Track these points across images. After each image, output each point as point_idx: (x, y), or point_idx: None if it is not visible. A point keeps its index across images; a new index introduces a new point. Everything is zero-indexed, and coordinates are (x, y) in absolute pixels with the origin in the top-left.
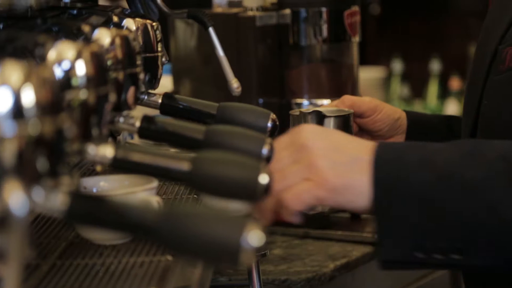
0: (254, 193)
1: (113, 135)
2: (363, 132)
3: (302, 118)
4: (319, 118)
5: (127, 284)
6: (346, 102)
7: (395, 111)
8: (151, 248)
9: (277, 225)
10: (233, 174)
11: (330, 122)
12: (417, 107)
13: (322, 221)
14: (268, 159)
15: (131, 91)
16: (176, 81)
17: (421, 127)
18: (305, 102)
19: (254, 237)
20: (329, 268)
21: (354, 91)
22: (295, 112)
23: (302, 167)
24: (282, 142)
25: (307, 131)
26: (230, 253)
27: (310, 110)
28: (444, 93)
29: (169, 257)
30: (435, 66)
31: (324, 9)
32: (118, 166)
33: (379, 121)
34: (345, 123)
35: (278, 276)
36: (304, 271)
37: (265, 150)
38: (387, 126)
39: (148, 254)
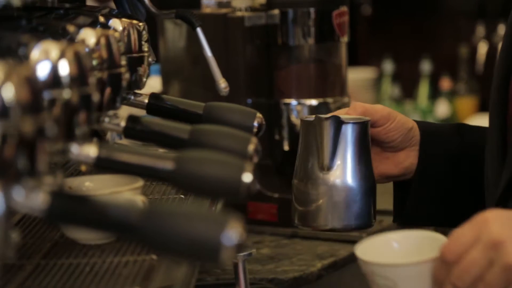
0: (237, 192)
1: (99, 135)
2: (373, 143)
3: (318, 124)
4: (337, 124)
5: (111, 283)
6: (358, 109)
7: (407, 120)
8: (136, 247)
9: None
10: (217, 173)
11: (348, 130)
12: (408, 107)
13: None
14: (252, 158)
15: (116, 91)
16: (165, 82)
17: (434, 137)
18: (293, 102)
19: (234, 234)
20: (316, 267)
21: (342, 92)
22: (309, 117)
23: (500, 270)
24: (466, 236)
25: (495, 222)
26: (210, 250)
27: (327, 116)
28: (435, 94)
29: (154, 257)
30: (426, 66)
31: (312, 10)
32: (102, 165)
33: (393, 131)
34: (364, 131)
35: (265, 275)
36: (291, 270)
37: (250, 149)
38: (400, 136)
39: (132, 253)
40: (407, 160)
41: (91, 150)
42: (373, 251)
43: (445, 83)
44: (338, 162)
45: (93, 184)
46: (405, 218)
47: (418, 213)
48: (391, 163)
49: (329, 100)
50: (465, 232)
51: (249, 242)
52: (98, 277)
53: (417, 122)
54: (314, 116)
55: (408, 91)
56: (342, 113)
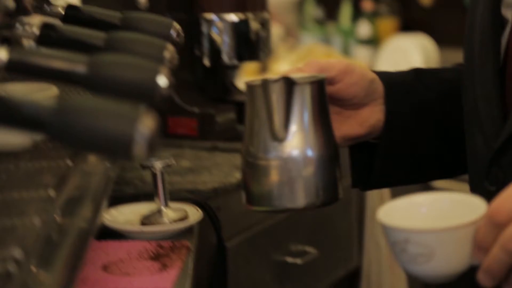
0: (152, 96)
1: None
2: (332, 102)
3: (266, 88)
4: (289, 86)
5: (25, 189)
6: (312, 67)
7: (367, 71)
8: (51, 153)
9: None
10: (131, 76)
11: (302, 91)
12: (330, 29)
13: (230, 133)
14: (168, 63)
15: None
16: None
17: (398, 87)
18: (213, 17)
19: (147, 129)
20: (235, 178)
21: (263, 7)
22: (254, 81)
23: None
24: (504, 210)
25: None
26: (123, 145)
27: (276, 78)
28: (357, 15)
29: (69, 162)
30: None
31: None
32: (13, 69)
33: (354, 85)
34: (321, 90)
35: (185, 186)
36: (211, 181)
37: (166, 55)
38: (362, 90)
39: (48, 159)
40: (372, 116)
41: (1, 54)
42: (398, 217)
43: (367, 4)
44: (293, 129)
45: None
46: (371, 182)
47: (386, 174)
48: (354, 122)
49: (250, 15)
50: (502, 202)
51: (169, 155)
52: (13, 183)
53: (376, 72)
54: (260, 79)
55: (331, 13)
56: (295, 72)
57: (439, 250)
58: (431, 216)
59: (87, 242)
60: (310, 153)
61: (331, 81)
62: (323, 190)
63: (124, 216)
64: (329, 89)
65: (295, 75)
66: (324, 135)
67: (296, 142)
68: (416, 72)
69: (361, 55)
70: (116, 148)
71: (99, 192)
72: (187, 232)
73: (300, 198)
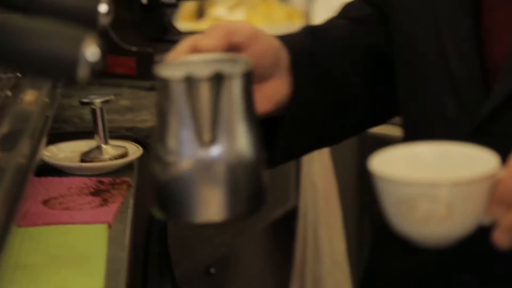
0: (93, 21)
1: None
2: None
3: (190, 86)
4: (218, 83)
5: None
6: (220, 32)
7: (273, 38)
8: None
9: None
10: (72, 1)
11: (233, 86)
12: None
13: None
14: None
15: None
16: None
17: (302, 55)
18: None
19: (91, 51)
20: None
21: None
22: (172, 72)
23: None
24: None
25: None
26: (67, 67)
27: (203, 75)
28: None
29: (8, 93)
30: None
31: None
32: None
33: (262, 54)
34: (250, 81)
35: (124, 124)
36: (150, 119)
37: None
38: (270, 59)
39: None
40: (278, 90)
41: None
42: (393, 169)
43: None
44: (222, 130)
45: None
46: (274, 158)
47: (290, 150)
48: (261, 97)
49: None
50: None
51: (107, 94)
52: None
53: (279, 38)
54: (176, 71)
55: None
56: (204, 45)
57: (459, 207)
58: (435, 169)
59: (26, 178)
60: (243, 155)
61: (238, 47)
62: (254, 197)
63: (64, 153)
64: None
65: (209, 58)
66: (253, 135)
67: (225, 145)
68: (312, 31)
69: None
70: (61, 69)
71: (38, 128)
72: (127, 168)
73: (235, 207)
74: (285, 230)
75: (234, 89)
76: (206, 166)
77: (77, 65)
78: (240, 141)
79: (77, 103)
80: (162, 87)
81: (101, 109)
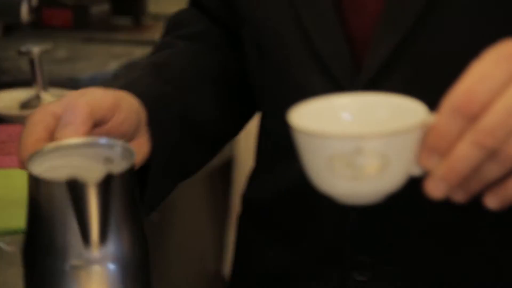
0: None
1: None
2: None
3: (74, 189)
4: (107, 182)
5: None
6: (81, 113)
7: (130, 100)
8: None
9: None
10: None
11: (118, 183)
12: None
13: (105, 24)
14: None
15: None
16: None
17: (156, 105)
18: None
19: None
20: (112, 66)
21: None
22: (48, 175)
23: None
24: (493, 76)
25: None
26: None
27: (88, 181)
28: None
29: None
30: None
31: None
32: None
33: (124, 123)
34: (132, 173)
35: (63, 74)
36: (89, 68)
37: None
38: (131, 126)
39: None
40: (141, 149)
41: None
42: (320, 123)
43: None
44: (110, 231)
45: None
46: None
47: (160, 195)
48: None
49: None
50: (489, 70)
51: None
52: None
53: (130, 92)
54: (52, 168)
55: None
56: (66, 136)
57: (392, 159)
58: (358, 122)
59: None
60: (128, 257)
61: (100, 121)
62: None
63: (3, 102)
64: (97, 131)
65: (99, 153)
66: (139, 231)
67: (118, 243)
68: (161, 77)
69: None
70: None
71: None
72: None
73: None
74: (222, 179)
75: (124, 186)
76: (93, 268)
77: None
78: (129, 238)
79: (14, 54)
80: (35, 186)
81: (39, 58)
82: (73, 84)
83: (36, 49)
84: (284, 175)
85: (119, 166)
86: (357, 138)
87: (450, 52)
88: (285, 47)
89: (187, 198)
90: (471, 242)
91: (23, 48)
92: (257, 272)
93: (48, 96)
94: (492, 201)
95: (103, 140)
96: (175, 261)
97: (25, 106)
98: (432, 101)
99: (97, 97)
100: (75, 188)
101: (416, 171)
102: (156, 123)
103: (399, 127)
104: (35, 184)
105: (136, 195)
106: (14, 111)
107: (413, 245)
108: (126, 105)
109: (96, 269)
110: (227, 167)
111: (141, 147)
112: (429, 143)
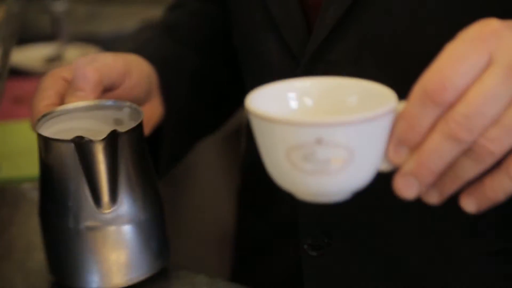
0: None
1: None
2: None
3: (83, 149)
4: (113, 141)
5: None
6: (91, 77)
7: (143, 66)
8: None
9: None
10: None
11: (125, 142)
12: None
13: None
14: None
15: None
16: None
17: (167, 67)
18: None
19: None
20: (132, 25)
21: None
22: (53, 133)
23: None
24: (469, 59)
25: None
26: None
27: (96, 138)
28: None
29: None
30: None
31: None
32: None
33: (135, 87)
34: (141, 133)
35: (84, 33)
36: (109, 25)
37: None
38: (143, 90)
39: None
40: (154, 112)
41: None
42: (281, 108)
43: None
44: (121, 192)
45: None
46: (159, 170)
47: (174, 158)
48: None
49: None
50: (464, 52)
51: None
52: None
53: (141, 54)
54: (62, 129)
55: None
56: (76, 99)
57: (360, 152)
58: (320, 108)
59: (1, 83)
60: (142, 217)
61: (111, 87)
62: (158, 258)
63: (27, 57)
64: (108, 95)
65: (109, 115)
66: (152, 187)
67: (128, 206)
68: (170, 37)
69: None
70: None
71: (7, 34)
72: None
73: (134, 270)
74: (235, 142)
75: (129, 143)
76: (106, 229)
77: None
78: (142, 198)
79: (34, 12)
80: (51, 148)
81: (62, 14)
82: (94, 40)
83: (58, 6)
84: None
85: (128, 127)
86: (316, 126)
87: (398, 19)
88: (246, 12)
89: (202, 161)
90: (427, 219)
91: (46, 5)
92: (244, 244)
93: (72, 51)
94: (468, 204)
95: (111, 102)
96: (191, 221)
97: (50, 61)
98: (386, 77)
99: (107, 64)
100: (83, 147)
101: (384, 166)
102: (168, 85)
103: (363, 114)
104: (45, 146)
105: (147, 155)
106: (40, 64)
107: (367, 221)
108: (137, 70)
109: (111, 229)
110: (239, 131)
111: (154, 110)
112: (397, 134)
